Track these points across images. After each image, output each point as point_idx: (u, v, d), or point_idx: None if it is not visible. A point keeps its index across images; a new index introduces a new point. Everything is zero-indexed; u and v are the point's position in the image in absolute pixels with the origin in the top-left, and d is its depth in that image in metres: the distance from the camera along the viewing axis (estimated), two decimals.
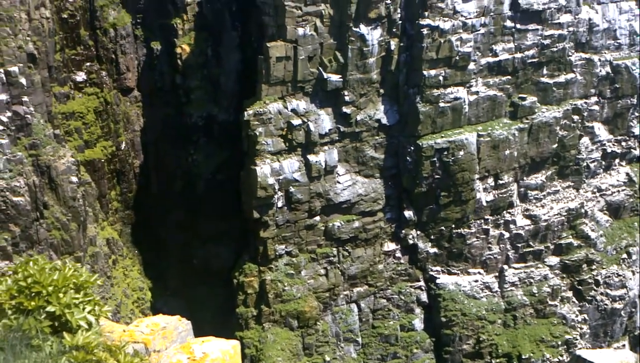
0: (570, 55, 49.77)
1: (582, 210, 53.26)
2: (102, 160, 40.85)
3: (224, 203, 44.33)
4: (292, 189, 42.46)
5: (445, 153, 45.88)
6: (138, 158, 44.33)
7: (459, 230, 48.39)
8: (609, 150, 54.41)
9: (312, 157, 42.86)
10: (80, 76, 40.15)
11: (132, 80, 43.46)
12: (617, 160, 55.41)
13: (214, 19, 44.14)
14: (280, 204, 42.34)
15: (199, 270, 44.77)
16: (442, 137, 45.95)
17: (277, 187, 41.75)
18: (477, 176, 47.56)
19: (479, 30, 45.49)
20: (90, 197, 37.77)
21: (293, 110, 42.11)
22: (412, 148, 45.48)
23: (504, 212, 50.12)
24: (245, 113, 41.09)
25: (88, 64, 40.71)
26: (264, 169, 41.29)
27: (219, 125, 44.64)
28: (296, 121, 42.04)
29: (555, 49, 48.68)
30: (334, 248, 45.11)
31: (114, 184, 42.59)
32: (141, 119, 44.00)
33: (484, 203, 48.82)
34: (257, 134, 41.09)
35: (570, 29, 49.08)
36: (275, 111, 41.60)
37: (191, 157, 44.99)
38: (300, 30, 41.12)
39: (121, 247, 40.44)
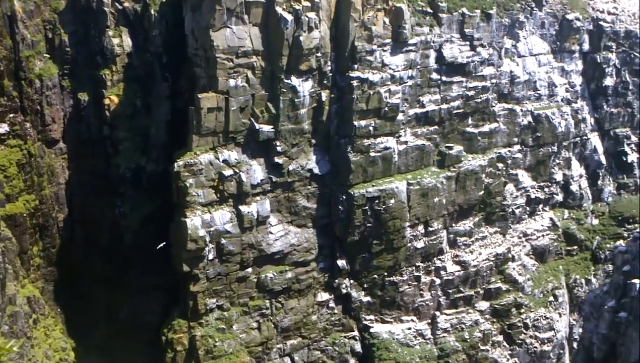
0: (494, 106, 51.85)
1: (509, 255, 54.78)
2: (24, 215, 39.16)
3: (152, 256, 43.19)
4: (223, 241, 41.85)
5: (377, 201, 46.44)
6: (62, 211, 42.84)
7: (391, 278, 48.74)
8: (532, 196, 56.49)
9: (244, 208, 42.51)
10: (3, 128, 38.67)
11: (58, 131, 42.29)
12: (540, 206, 57.55)
13: (143, 70, 43.82)
14: (211, 257, 41.57)
15: (126, 326, 43.14)
16: (373, 186, 46.55)
17: (208, 239, 41.05)
18: (407, 224, 48.26)
19: (407, 82, 46.83)
20: (10, 253, 36.01)
21: (224, 161, 41.84)
22: (344, 197, 45.84)
23: (435, 258, 50.92)
24: (176, 164, 40.52)
25: (12, 115, 39.31)
26: (194, 221, 40.62)
27: (148, 177, 43.85)
28: (228, 172, 41.75)
29: (479, 100, 50.64)
30: (267, 301, 44.49)
31: (37, 239, 40.83)
32: (66, 171, 42.72)
33: (415, 251, 49.51)
34: (188, 185, 40.51)
35: (493, 80, 51.27)
36: (206, 162, 41.22)
37: (118, 209, 43.87)
38: (232, 82, 41.24)
39: (43, 306, 38.53)
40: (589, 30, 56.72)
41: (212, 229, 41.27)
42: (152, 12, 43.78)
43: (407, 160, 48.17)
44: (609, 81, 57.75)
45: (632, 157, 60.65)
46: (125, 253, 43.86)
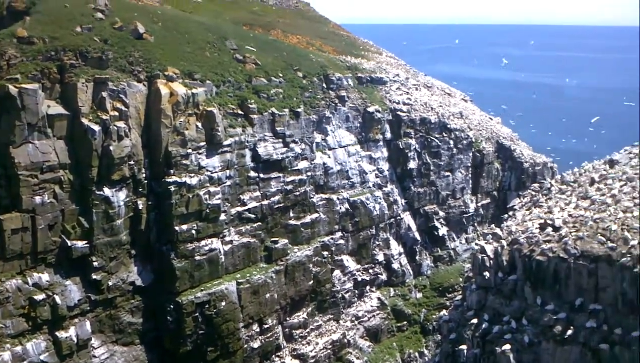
0: (312, 197, 53.76)
1: (345, 340, 55.61)
2: None
3: None
4: None
5: (207, 306, 45.15)
6: None
7: None
8: (359, 279, 58.48)
9: (61, 334, 39.03)
10: None
11: None
12: (367, 287, 59.66)
13: None
14: None
15: None
16: (201, 290, 45.32)
17: None
18: (241, 324, 47.31)
19: (226, 182, 47.12)
20: None
21: (35, 285, 38.45)
22: (172, 306, 44.02)
23: (273, 356, 50.16)
24: None
25: None
26: (4, 356, 36.31)
27: None
28: (39, 296, 38.31)
29: (297, 193, 52.22)
30: None
31: None
32: None
33: (252, 351, 48.42)
34: None
35: (309, 173, 53.37)
36: (13, 288, 37.56)
37: None
38: (38, 199, 38.65)
39: None
40: (389, 120, 61.74)
41: None
42: None
43: (234, 259, 47.79)
44: (412, 164, 62.68)
45: (442, 230, 65.52)
46: None
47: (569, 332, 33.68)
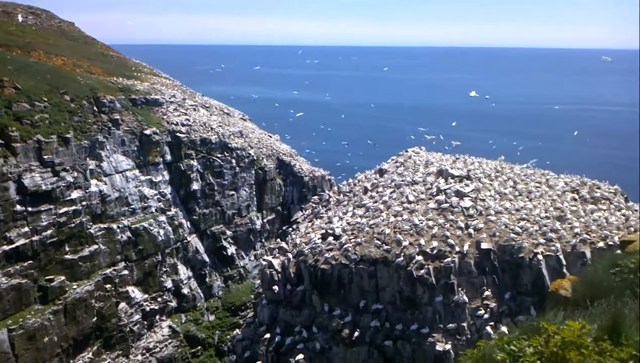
0: (90, 228, 50.35)
1: None
2: None
3: None
4: None
5: None
6: None
7: None
8: (147, 309, 55.96)
9: None
10: None
11: None
12: (157, 317, 57.32)
13: None
14: None
15: None
16: None
17: None
18: None
19: None
20: None
21: None
22: None
23: None
24: None
25: None
26: None
27: None
28: None
29: (72, 225, 48.52)
30: None
31: None
32: None
33: None
34: None
35: (84, 203, 49.88)
36: None
37: None
38: None
39: None
40: (168, 142, 60.25)
41: None
42: None
43: (3, 304, 42.76)
44: (195, 185, 61.83)
45: (231, 249, 65.50)
46: None
47: (356, 333, 35.51)
